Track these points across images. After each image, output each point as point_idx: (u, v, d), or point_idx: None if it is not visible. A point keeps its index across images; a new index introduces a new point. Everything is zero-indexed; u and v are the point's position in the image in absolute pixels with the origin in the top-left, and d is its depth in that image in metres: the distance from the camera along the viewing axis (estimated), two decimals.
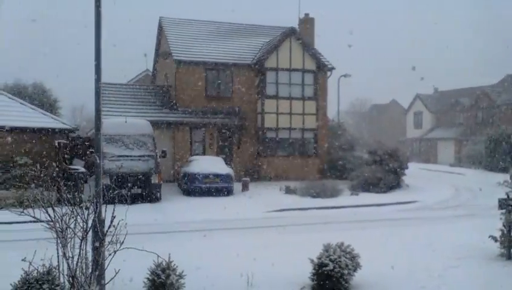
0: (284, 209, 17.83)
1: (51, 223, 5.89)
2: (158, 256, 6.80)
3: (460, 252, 10.47)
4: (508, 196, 9.98)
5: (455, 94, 52.81)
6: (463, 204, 20.01)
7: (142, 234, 11.45)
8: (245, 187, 22.12)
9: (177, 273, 6.90)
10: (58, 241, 5.91)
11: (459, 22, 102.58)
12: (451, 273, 8.76)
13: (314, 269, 7.71)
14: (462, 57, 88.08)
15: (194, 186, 20.50)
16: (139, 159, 18.92)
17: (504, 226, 9.99)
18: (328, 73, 28.32)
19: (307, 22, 29.77)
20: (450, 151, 49.25)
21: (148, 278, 6.91)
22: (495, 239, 10.11)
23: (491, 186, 15.81)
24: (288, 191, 21.77)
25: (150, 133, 20.08)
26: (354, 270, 7.75)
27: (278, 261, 9.31)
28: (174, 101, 26.56)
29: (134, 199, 17.62)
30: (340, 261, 7.54)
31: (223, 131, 26.31)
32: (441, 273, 8.76)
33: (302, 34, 28.37)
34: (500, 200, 10.03)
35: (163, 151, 20.33)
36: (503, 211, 10.03)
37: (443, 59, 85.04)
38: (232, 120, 26.11)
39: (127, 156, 18.80)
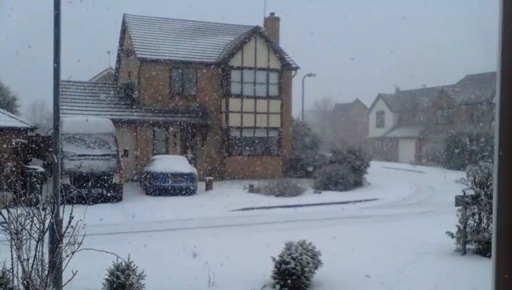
0: (247, 208, 17.85)
1: (5, 225, 5.71)
2: (117, 257, 6.69)
3: (419, 248, 10.71)
4: (464, 193, 10.28)
5: (416, 94, 54.05)
6: (423, 201, 20.50)
7: (102, 234, 11.25)
8: (209, 186, 22.04)
9: (137, 274, 6.81)
10: (13, 243, 5.73)
11: (423, 23, 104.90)
12: (410, 269, 8.96)
13: (275, 267, 7.74)
14: (423, 57, 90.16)
15: (157, 186, 20.29)
16: (101, 159, 18.60)
17: (460, 222, 10.28)
18: (293, 72, 28.50)
19: (272, 21, 29.89)
20: (411, 149, 50.37)
21: (107, 279, 6.80)
22: (451, 235, 10.39)
23: (449, 184, 16.23)
24: (252, 190, 21.81)
25: (111, 132, 19.75)
26: (315, 268, 7.82)
27: (240, 260, 9.32)
28: (138, 100, 26.21)
29: (95, 199, 17.31)
30: (301, 259, 7.60)
31: (187, 130, 26.12)
32: (400, 269, 8.95)
33: (267, 33, 28.46)
34: (456, 197, 10.31)
35: (125, 151, 20.04)
36: (460, 207, 10.33)
37: (406, 58, 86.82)
38: (196, 119, 25.95)
39: (88, 155, 18.45)
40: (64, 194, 6.63)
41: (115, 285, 6.64)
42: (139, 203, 18.37)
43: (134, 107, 26.03)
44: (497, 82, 1.88)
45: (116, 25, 31.26)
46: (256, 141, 27.28)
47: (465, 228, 10.24)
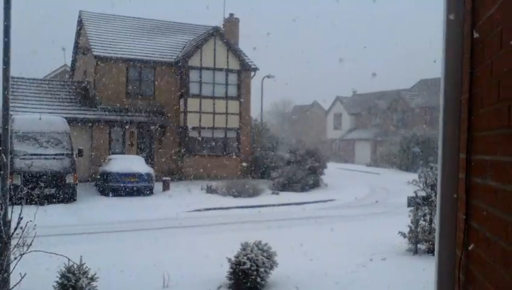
0: (204, 209, 17.76)
1: None
2: (69, 259, 6.52)
3: (373, 248, 10.93)
4: (416, 194, 10.56)
5: (372, 97, 55.21)
6: (377, 202, 20.91)
7: (54, 236, 10.95)
8: (166, 187, 21.79)
9: (89, 276, 6.66)
10: None
11: (381, 27, 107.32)
12: (363, 269, 9.13)
13: (231, 267, 7.73)
14: (379, 60, 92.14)
15: (113, 186, 19.89)
16: (54, 158, 18.07)
17: (412, 223, 10.57)
18: (252, 73, 28.55)
19: (232, 22, 29.87)
20: (367, 151, 51.41)
21: (57, 282, 6.61)
22: (404, 235, 10.67)
23: (403, 185, 16.59)
24: (210, 190, 21.71)
25: (65, 131, 19.24)
26: (271, 268, 7.86)
27: (196, 261, 9.26)
28: (93, 98, 25.64)
29: (48, 200, 16.82)
30: (257, 260, 7.61)
31: (144, 129, 25.76)
32: (354, 269, 9.10)
33: (226, 33, 28.41)
34: (408, 198, 10.58)
35: (80, 150, 19.55)
36: (412, 208, 10.61)
37: (364, 61, 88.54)
38: (154, 119, 25.62)
39: (41, 154, 17.89)
40: (13, 194, 6.42)
41: (66, 287, 6.47)
42: (93, 204, 17.95)
43: (89, 105, 25.45)
44: (442, 86, 1.94)
45: (72, 21, 30.46)
46: (215, 142, 27.19)
47: (416, 228, 10.53)
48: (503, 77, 1.62)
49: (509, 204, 1.52)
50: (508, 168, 1.55)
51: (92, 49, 25.46)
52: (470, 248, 1.98)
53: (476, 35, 1.84)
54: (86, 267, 6.73)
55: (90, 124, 24.50)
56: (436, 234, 2.17)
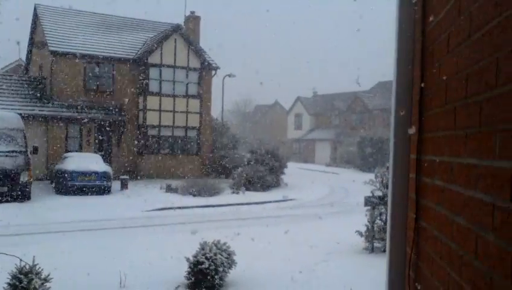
0: (163, 208, 17.56)
1: None
2: (20, 260, 6.33)
3: (331, 247, 11.09)
4: (372, 194, 10.78)
5: (332, 98, 56.01)
6: (336, 202, 21.22)
7: (5, 236, 10.61)
8: (124, 186, 21.45)
9: (42, 277, 6.47)
10: None
11: (344, 31, 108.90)
12: (321, 267, 9.26)
13: (189, 267, 7.68)
14: (339, 62, 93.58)
15: (69, 185, 19.41)
16: (6, 155, 17.46)
17: (368, 222, 10.78)
18: (213, 72, 28.46)
19: (193, 20, 29.68)
20: (327, 152, 52.11)
21: (8, 284, 6.39)
22: (361, 234, 10.87)
23: (362, 185, 16.87)
24: (169, 189, 21.51)
25: (19, 128, 18.61)
26: (230, 268, 7.86)
27: (154, 261, 9.15)
28: (50, 95, 24.95)
29: (1, 198, 16.28)
30: (215, 259, 7.60)
31: (102, 127, 25.26)
32: (312, 267, 9.22)
33: (187, 31, 28.20)
34: (365, 198, 10.79)
35: (34, 147, 18.98)
36: (368, 207, 10.83)
37: (325, 63, 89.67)
38: (112, 116, 25.17)
39: None
40: None
41: (17, 289, 6.27)
42: (48, 203, 17.46)
43: (45, 102, 24.76)
44: (393, 88, 1.99)
45: (27, 14, 29.51)
46: (175, 140, 26.96)
47: (373, 227, 10.75)
48: (450, 80, 1.67)
49: (454, 203, 1.58)
50: (453, 169, 1.60)
51: (48, 44, 24.77)
52: (419, 246, 2.04)
53: (425, 39, 1.90)
54: (39, 268, 6.54)
55: (46, 121, 23.83)
56: (388, 233, 2.23)
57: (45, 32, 25.82)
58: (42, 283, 6.41)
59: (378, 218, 10.77)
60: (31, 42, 30.30)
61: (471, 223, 1.40)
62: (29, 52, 31.10)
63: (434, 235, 1.83)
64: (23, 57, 33.01)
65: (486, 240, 1.28)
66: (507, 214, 1.16)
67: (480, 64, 1.38)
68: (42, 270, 6.56)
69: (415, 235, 2.07)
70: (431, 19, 1.87)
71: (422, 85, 1.98)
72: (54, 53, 24.51)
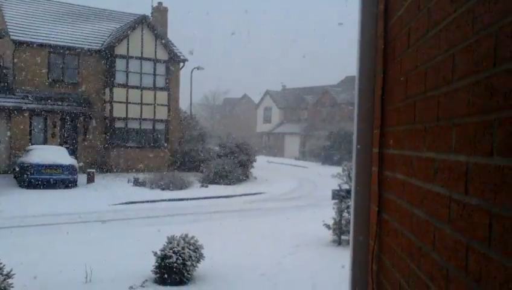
0: (131, 202, 17.38)
1: None
2: None
3: (299, 240, 11.19)
4: (339, 187, 10.91)
5: (301, 92, 56.28)
6: (305, 195, 21.40)
7: None
8: (90, 179, 21.09)
9: (4, 272, 6.32)
10: None
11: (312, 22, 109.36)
12: (289, 260, 9.33)
13: (157, 261, 7.63)
14: (308, 56, 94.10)
15: (33, 178, 18.96)
16: None
17: (336, 215, 10.91)
18: (181, 64, 28.19)
19: (160, 11, 29.29)
20: (296, 145, 52.41)
21: None
22: (328, 227, 11.00)
23: (330, 179, 17.00)
24: (137, 183, 21.28)
25: None
26: (198, 262, 7.84)
27: (121, 255, 9.06)
28: (12, 85, 24.25)
29: None
30: (183, 253, 7.56)
31: (68, 119, 24.74)
32: (280, 260, 9.28)
33: (155, 22, 27.83)
34: (333, 191, 10.91)
35: None
36: (336, 201, 10.96)
37: (294, 56, 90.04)
38: (78, 108, 24.66)
39: None
40: None
41: None
42: (11, 197, 17.02)
43: (7, 93, 24.04)
44: (356, 83, 2.00)
45: None
46: (143, 133, 26.63)
47: (340, 220, 10.89)
48: (410, 75, 1.70)
49: (414, 196, 1.60)
50: (413, 162, 1.63)
51: (10, 33, 24.04)
52: (381, 238, 2.07)
53: (387, 34, 1.92)
54: (1, 263, 6.39)
55: (7, 113, 23.17)
56: (351, 225, 2.25)
57: (6, 20, 25.03)
58: (4, 279, 6.26)
59: (346, 211, 10.91)
60: None
61: (430, 216, 1.43)
62: None
63: (395, 227, 1.86)
64: None
65: (443, 232, 1.30)
66: (462, 206, 1.18)
67: (438, 59, 1.40)
68: (4, 266, 6.40)
69: (378, 228, 2.10)
70: (393, 13, 1.89)
71: (384, 80, 2.00)
72: (16, 42, 23.82)
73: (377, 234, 2.11)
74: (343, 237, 10.94)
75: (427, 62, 1.50)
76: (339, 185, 10.99)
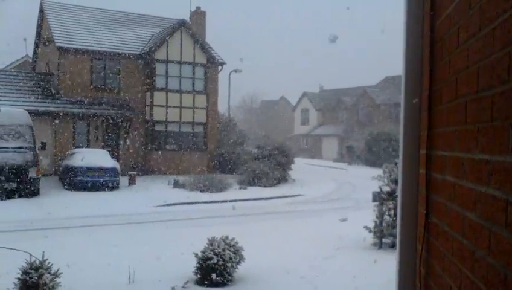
0: (171, 204, 17.62)
1: None
2: (30, 255, 6.37)
3: (339, 242, 11.06)
4: (380, 189, 10.74)
5: (339, 93, 55.79)
6: (344, 197, 21.18)
7: (16, 231, 10.67)
8: (132, 181, 21.53)
9: (52, 272, 6.52)
10: None
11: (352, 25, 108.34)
12: (329, 263, 9.24)
13: (198, 263, 7.70)
14: (347, 57, 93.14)
15: (77, 180, 19.52)
16: (15, 151, 17.57)
17: (377, 217, 10.74)
18: (219, 67, 28.43)
19: (199, 15, 29.66)
20: (334, 147, 51.97)
21: (19, 278, 6.44)
22: (369, 230, 10.83)
23: (369, 181, 16.75)
24: (177, 185, 21.56)
25: (27, 124, 18.71)
26: (238, 263, 7.86)
27: (163, 256, 9.18)
28: (57, 91, 25.04)
29: (9, 194, 16.41)
30: (224, 255, 7.60)
31: (110, 123, 25.34)
32: (320, 263, 9.20)
33: (193, 27, 28.18)
34: (373, 193, 10.75)
35: (42, 143, 19.08)
36: (377, 203, 10.78)
37: (333, 57, 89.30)
38: (119, 112, 25.23)
39: (1, 148, 17.38)
40: None
41: (28, 284, 6.32)
42: (57, 199, 17.58)
43: (52, 98, 24.85)
44: (402, 84, 1.97)
45: (33, 10, 29.63)
46: (182, 136, 26.99)
47: (381, 223, 10.70)
48: (460, 75, 1.66)
49: (466, 199, 1.57)
50: (464, 164, 1.59)
51: (55, 40, 24.85)
52: (429, 242, 2.03)
53: (434, 34, 1.88)
54: (49, 263, 6.59)
55: (53, 117, 23.92)
56: (398, 228, 2.22)
57: (51, 28, 25.90)
58: (52, 278, 6.46)
59: (387, 213, 10.72)
60: (38, 38, 30.41)
61: (484, 219, 1.39)
62: (36, 48, 31.20)
63: (445, 231, 1.82)
64: (30, 54, 33.11)
65: (500, 236, 1.27)
66: None
67: (492, 58, 1.36)
68: (52, 265, 6.60)
69: (425, 231, 2.06)
70: (440, 12, 1.85)
71: (432, 80, 1.96)
72: (61, 49, 24.59)
73: (424, 237, 2.07)
74: (384, 240, 10.76)
75: (480, 61, 1.46)
76: (380, 187, 10.82)
